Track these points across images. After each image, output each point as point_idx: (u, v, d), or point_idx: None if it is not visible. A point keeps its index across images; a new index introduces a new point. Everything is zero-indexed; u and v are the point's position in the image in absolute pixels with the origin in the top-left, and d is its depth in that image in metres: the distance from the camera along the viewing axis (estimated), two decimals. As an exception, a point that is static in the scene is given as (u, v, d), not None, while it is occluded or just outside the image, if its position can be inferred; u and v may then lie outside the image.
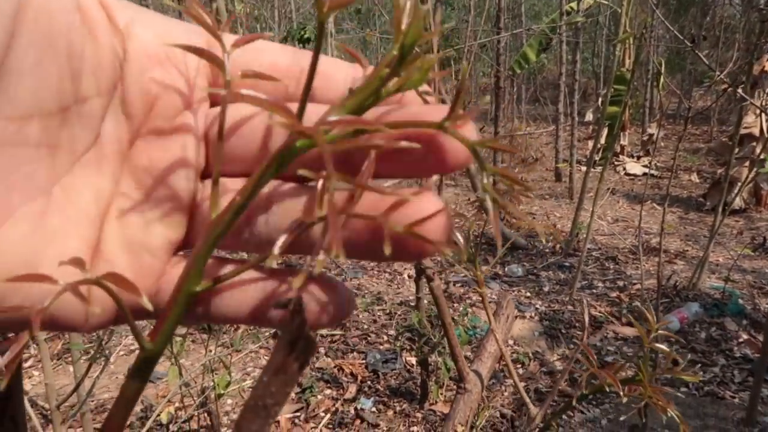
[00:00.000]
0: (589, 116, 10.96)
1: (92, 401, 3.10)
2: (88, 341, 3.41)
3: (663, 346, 0.59)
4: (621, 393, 0.56)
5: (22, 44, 0.19)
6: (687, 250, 5.48)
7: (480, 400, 0.83)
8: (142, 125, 0.23)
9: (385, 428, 2.94)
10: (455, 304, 4.17)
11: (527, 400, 0.76)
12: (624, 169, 8.28)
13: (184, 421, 2.93)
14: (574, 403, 0.69)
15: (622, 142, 8.55)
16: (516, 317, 4.05)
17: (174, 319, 0.22)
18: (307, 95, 0.20)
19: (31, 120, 0.20)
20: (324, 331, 3.82)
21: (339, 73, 0.24)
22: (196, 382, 2.81)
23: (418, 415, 3.03)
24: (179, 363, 2.62)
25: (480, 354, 0.89)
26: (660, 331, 0.73)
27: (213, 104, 0.25)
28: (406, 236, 0.20)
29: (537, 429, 0.71)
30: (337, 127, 0.19)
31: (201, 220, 0.25)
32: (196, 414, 2.84)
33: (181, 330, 3.66)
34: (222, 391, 2.69)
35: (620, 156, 8.57)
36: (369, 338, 3.81)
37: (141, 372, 0.22)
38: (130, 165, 0.23)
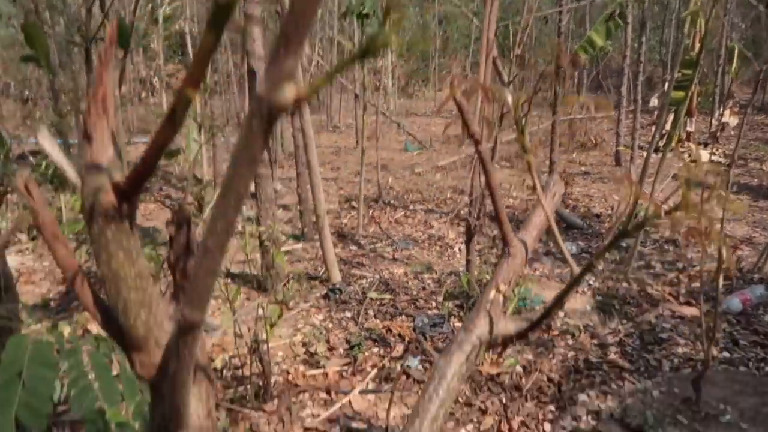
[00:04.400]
0: (654, 102, 10.54)
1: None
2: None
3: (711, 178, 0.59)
4: (664, 221, 0.56)
5: None
6: (754, 236, 5.22)
7: (522, 268, 0.84)
8: None
9: (430, 386, 2.98)
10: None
11: (570, 259, 0.77)
12: (689, 156, 7.94)
13: (237, 368, 3.05)
14: (613, 242, 0.69)
15: (688, 129, 8.21)
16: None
17: None
18: None
19: None
20: (374, 294, 3.87)
21: None
22: (250, 331, 2.91)
23: (464, 375, 3.04)
24: (234, 307, 2.73)
25: (526, 225, 0.90)
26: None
27: None
28: None
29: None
30: None
31: None
32: (248, 361, 2.95)
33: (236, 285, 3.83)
34: (271, 335, 2.79)
35: (686, 142, 8.23)
36: (417, 303, 3.84)
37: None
38: None
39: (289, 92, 0.28)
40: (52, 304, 3.93)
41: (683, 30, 7.85)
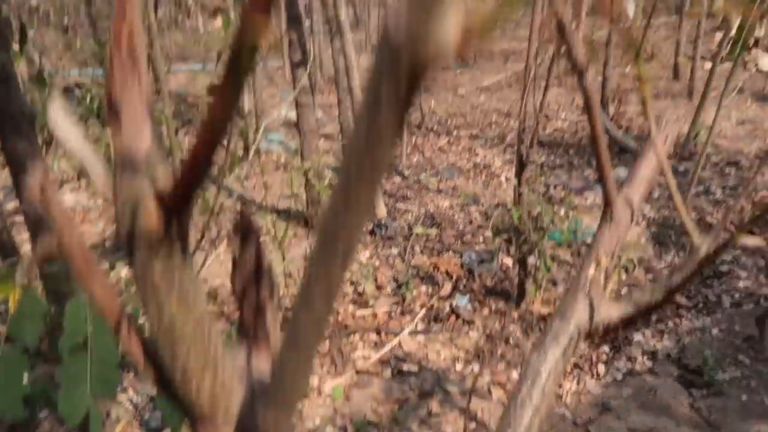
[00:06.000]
0: (719, 1, 9.71)
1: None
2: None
3: None
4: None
5: None
6: (827, 156, 4.87)
7: (626, 234, 0.74)
8: None
9: (480, 325, 2.97)
10: (555, 206, 4.01)
11: (691, 227, 0.67)
12: (756, 64, 7.35)
13: (287, 309, 3.11)
14: (737, 235, 0.62)
15: (757, 34, 7.54)
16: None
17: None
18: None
19: None
20: (419, 229, 3.83)
21: None
22: (298, 272, 2.93)
23: (515, 314, 3.02)
24: (283, 250, 2.73)
25: (632, 179, 0.77)
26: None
27: None
28: None
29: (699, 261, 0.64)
30: None
31: None
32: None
33: (283, 223, 3.81)
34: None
35: (753, 50, 7.59)
36: (464, 238, 3.78)
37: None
38: None
39: (450, 27, 0.16)
40: (107, 243, 4.06)
41: None
